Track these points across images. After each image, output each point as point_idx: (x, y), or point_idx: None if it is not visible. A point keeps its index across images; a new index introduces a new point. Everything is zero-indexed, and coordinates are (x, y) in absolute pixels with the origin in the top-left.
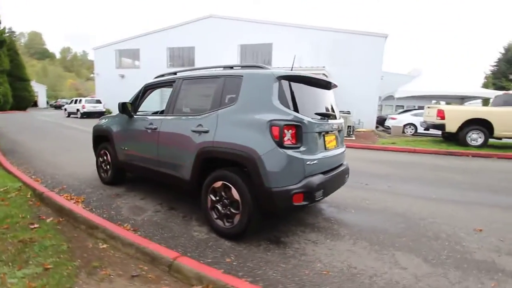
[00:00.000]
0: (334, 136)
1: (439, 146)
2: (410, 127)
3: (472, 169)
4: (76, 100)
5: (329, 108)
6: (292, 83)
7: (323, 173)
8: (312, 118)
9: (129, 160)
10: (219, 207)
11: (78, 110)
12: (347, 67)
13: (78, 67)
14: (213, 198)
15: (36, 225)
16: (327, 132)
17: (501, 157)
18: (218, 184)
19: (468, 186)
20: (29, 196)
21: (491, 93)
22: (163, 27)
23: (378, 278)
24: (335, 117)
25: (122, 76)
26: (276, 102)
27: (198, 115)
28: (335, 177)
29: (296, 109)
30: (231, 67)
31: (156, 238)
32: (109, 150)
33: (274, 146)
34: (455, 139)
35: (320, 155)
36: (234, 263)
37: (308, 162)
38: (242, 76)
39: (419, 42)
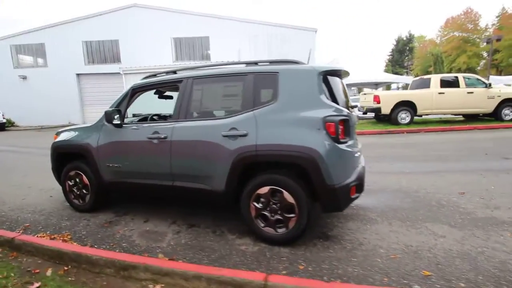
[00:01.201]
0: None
1: (378, 126)
2: None
3: (414, 143)
4: None
5: (347, 98)
6: (328, 77)
7: None
8: (348, 111)
9: (122, 178)
10: (267, 214)
11: None
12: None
13: None
14: (258, 206)
15: (36, 284)
16: (354, 123)
17: (427, 131)
18: (265, 189)
19: (423, 158)
20: None
21: (394, 79)
22: (75, 17)
23: (434, 249)
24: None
25: (24, 78)
26: (323, 97)
27: (227, 117)
28: (364, 166)
29: (336, 103)
30: (256, 63)
31: (205, 262)
32: (84, 170)
33: (331, 142)
34: (386, 119)
35: (359, 146)
36: (310, 269)
37: (355, 154)
38: (277, 72)
39: (334, 34)
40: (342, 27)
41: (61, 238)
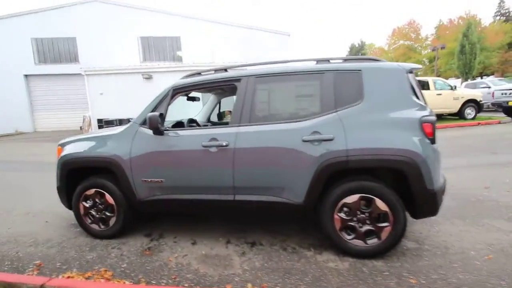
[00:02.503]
0: None
1: None
2: None
3: None
4: None
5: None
6: (409, 74)
7: None
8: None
9: (164, 195)
10: (355, 225)
11: None
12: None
13: None
14: (344, 217)
15: None
16: None
17: None
18: (353, 198)
19: None
20: None
21: None
22: (22, 11)
23: None
24: None
25: None
26: (413, 97)
27: (305, 120)
28: None
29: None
30: (328, 60)
31: (303, 287)
32: (108, 187)
33: (429, 144)
34: None
35: None
36: (423, 282)
37: (440, 155)
38: (360, 70)
39: (304, 39)
40: (309, 32)
41: (100, 277)
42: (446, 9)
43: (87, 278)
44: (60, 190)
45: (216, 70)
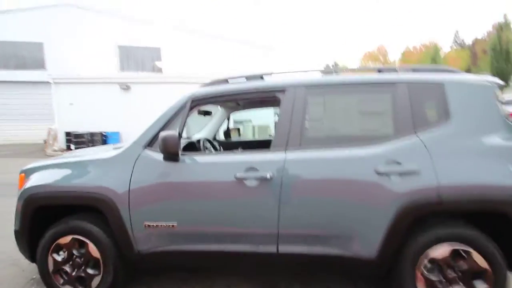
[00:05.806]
0: None
1: None
2: None
3: None
4: None
5: None
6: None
7: None
8: None
9: (175, 245)
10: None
11: None
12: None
13: None
14: (428, 276)
15: None
16: None
17: None
18: (443, 251)
19: None
20: None
21: None
22: None
23: None
24: None
25: None
26: (504, 117)
27: (376, 145)
28: None
29: None
30: (394, 69)
31: None
32: (93, 234)
33: None
34: None
35: None
36: None
37: None
38: (442, 84)
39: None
40: (283, 49)
41: None
42: (409, 37)
43: None
44: (19, 234)
45: (248, 77)
